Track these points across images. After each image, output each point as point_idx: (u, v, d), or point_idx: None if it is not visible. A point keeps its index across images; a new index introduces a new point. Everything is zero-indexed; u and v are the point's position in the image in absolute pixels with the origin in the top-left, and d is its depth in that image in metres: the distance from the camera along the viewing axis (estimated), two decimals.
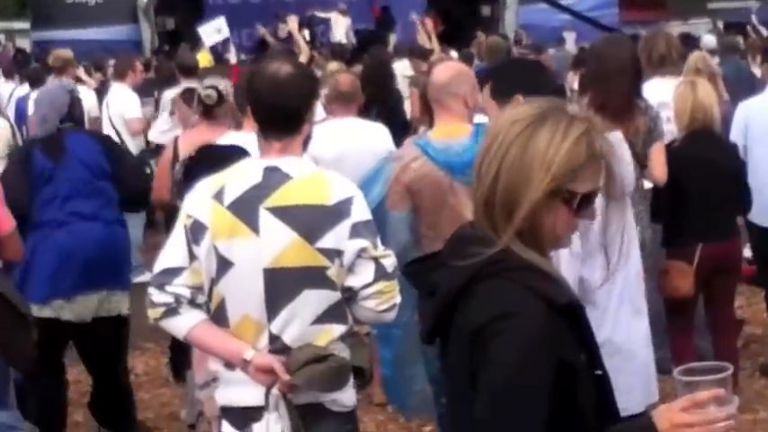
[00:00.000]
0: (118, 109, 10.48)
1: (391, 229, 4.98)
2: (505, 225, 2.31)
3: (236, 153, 5.64)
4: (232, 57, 14.18)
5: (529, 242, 2.33)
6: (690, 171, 6.12)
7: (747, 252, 7.46)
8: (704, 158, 6.17)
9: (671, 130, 6.43)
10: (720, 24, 20.67)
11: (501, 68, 4.28)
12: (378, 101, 8.73)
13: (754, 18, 16.68)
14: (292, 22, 14.10)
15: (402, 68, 12.58)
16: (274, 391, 3.49)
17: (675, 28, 15.97)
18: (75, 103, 6.19)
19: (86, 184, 5.89)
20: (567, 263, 3.58)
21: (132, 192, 5.98)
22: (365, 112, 7.68)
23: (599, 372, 2.42)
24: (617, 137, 4.11)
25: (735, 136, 6.98)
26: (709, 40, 13.53)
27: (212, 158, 5.71)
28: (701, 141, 6.20)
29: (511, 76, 4.05)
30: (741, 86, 8.02)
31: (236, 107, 5.98)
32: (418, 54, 12.92)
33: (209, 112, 6.45)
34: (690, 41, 11.89)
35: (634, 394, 3.83)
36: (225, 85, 6.66)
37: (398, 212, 5.04)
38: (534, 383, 2.23)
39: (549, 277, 2.34)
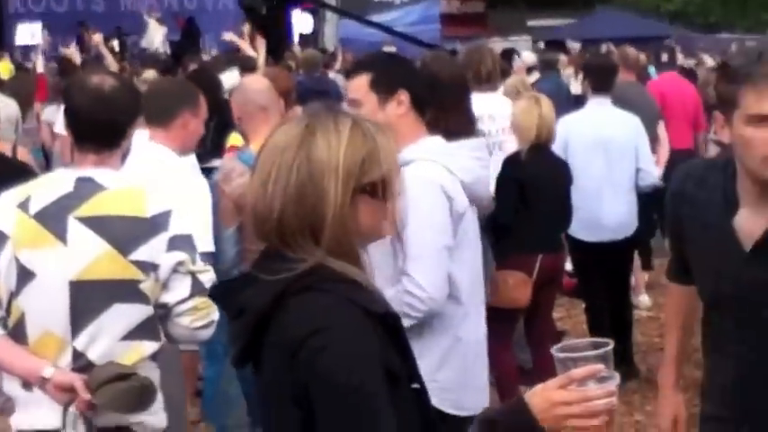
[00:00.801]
0: None
1: (221, 244, 4.85)
2: (311, 244, 2.24)
3: (11, 166, 5.41)
4: (40, 66, 13.81)
5: (336, 253, 2.25)
6: (534, 183, 6.32)
7: (568, 265, 7.56)
8: (546, 172, 6.41)
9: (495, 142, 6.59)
10: (542, 44, 21.13)
11: (382, 61, 4.13)
12: (214, 111, 8.49)
13: (568, 41, 17.10)
14: (97, 37, 13.81)
15: (230, 79, 12.37)
16: (72, 410, 3.28)
17: (496, 44, 16.16)
18: None
19: None
20: (436, 256, 3.61)
21: None
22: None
23: (416, 385, 2.34)
24: (480, 143, 4.19)
25: (557, 149, 7.04)
26: (528, 56, 13.78)
27: None
28: (544, 156, 6.44)
29: (395, 70, 3.89)
30: (560, 102, 8.11)
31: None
32: (246, 66, 12.72)
33: None
34: (510, 56, 12.02)
35: (486, 391, 3.94)
36: None
37: (228, 228, 4.93)
38: (374, 392, 2.14)
39: (363, 288, 2.27)
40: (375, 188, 2.28)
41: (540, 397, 2.20)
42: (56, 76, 12.65)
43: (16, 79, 11.74)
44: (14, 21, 24.65)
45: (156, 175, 4.34)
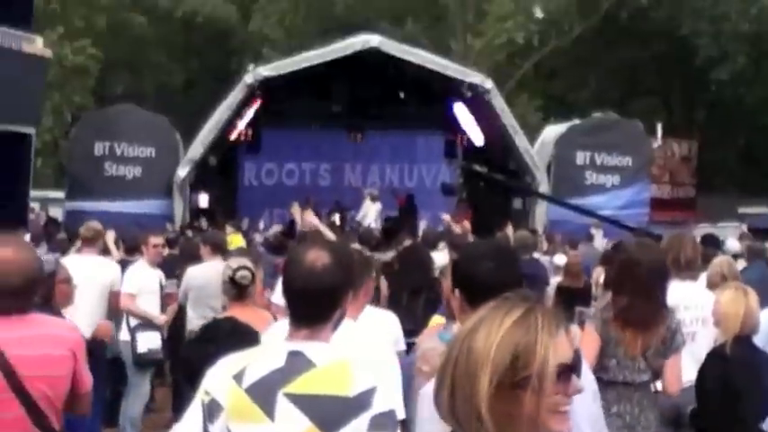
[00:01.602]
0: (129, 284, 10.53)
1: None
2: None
3: (242, 332, 5.56)
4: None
5: None
6: (740, 379, 6.16)
7: None
8: (752, 364, 6.25)
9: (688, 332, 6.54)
10: (744, 227, 20.69)
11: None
12: (425, 286, 8.62)
13: None
14: (308, 214, 14.19)
15: (440, 258, 12.59)
16: None
17: (704, 230, 15.94)
18: None
19: None
20: None
21: None
22: (413, 297, 7.50)
23: None
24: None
25: (759, 341, 6.90)
26: (733, 243, 13.53)
27: (216, 335, 5.69)
28: (747, 348, 6.29)
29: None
30: (766, 292, 7.94)
31: None
32: (456, 244, 12.92)
33: (243, 292, 6.44)
34: (711, 242, 11.83)
35: None
36: (252, 265, 6.65)
37: None
38: None
39: None
40: (526, 383, 2.24)
41: None
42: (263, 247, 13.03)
43: (243, 251, 12.15)
44: (246, 193, 25.92)
45: (355, 346, 4.31)
